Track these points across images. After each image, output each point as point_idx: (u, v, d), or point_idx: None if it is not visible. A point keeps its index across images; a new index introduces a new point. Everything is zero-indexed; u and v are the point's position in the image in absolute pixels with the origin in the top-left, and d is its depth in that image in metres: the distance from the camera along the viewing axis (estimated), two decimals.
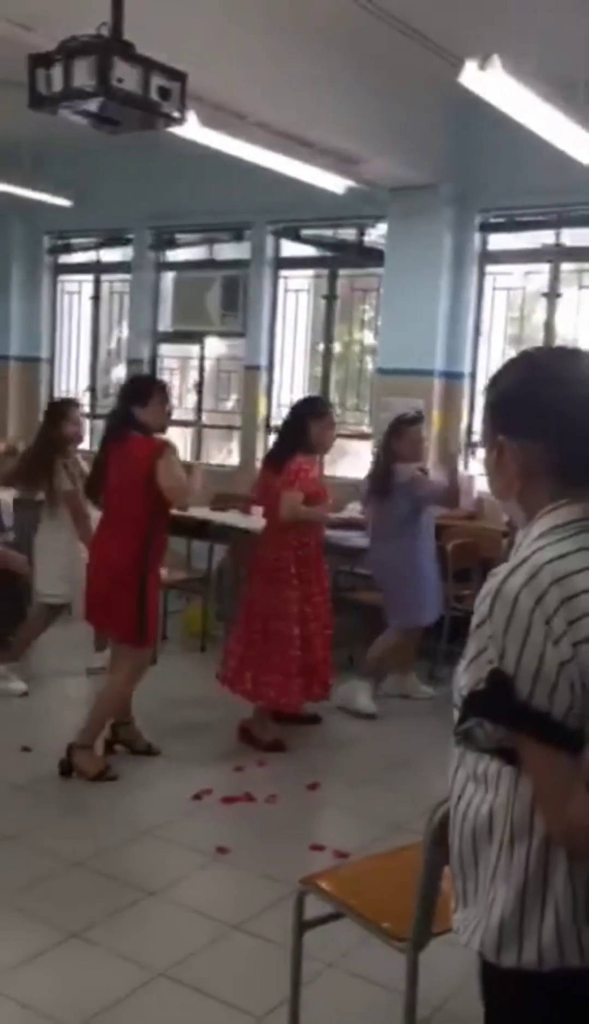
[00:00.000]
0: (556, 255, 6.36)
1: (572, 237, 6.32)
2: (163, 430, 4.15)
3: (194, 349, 7.95)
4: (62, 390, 8.60)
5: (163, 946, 2.87)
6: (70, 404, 5.35)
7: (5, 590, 5.23)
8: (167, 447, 4.02)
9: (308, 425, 4.41)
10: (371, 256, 6.91)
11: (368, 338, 7.64)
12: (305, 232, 7.30)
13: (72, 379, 8.69)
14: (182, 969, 2.75)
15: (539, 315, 6.55)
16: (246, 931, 2.97)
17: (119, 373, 8.33)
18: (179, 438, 7.37)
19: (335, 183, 5.95)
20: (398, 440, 5.00)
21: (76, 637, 5.34)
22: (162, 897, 3.15)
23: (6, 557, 4.83)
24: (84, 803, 3.83)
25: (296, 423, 4.45)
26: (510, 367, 1.47)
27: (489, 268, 6.61)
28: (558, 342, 6.13)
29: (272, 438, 7.51)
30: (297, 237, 7.35)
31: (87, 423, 6.80)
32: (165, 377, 8.07)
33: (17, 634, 5.19)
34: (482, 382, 6.36)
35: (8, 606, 5.33)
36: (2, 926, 2.96)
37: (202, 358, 7.91)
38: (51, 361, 8.78)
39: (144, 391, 4.14)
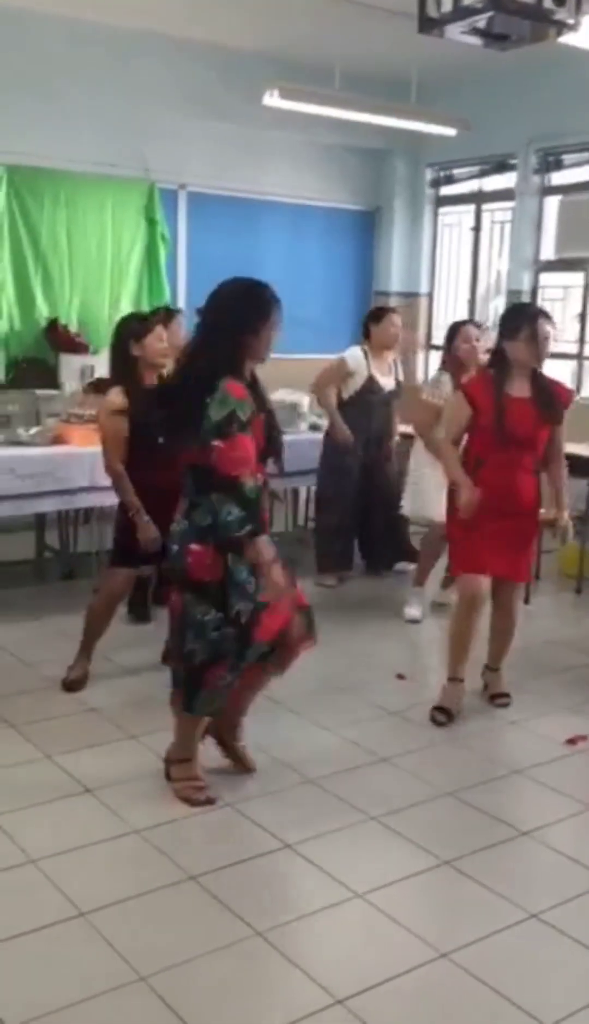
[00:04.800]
0: None
1: None
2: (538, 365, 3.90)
3: (578, 277, 7.57)
4: (440, 325, 8.60)
5: (536, 888, 2.83)
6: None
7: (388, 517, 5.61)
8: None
9: None
10: None
11: None
12: None
13: (450, 313, 8.64)
14: (556, 915, 2.70)
15: None
16: None
17: (498, 305, 8.15)
18: (560, 370, 7.09)
19: None
20: None
21: None
22: (534, 839, 3.11)
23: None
24: (453, 735, 3.86)
25: None
26: None
27: None
28: None
29: None
30: None
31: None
32: (547, 307, 7.77)
33: (420, 559, 5.30)
34: None
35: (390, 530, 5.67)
36: (377, 844, 3.07)
37: (586, 287, 7.50)
38: (430, 295, 8.80)
39: (514, 325, 3.85)
